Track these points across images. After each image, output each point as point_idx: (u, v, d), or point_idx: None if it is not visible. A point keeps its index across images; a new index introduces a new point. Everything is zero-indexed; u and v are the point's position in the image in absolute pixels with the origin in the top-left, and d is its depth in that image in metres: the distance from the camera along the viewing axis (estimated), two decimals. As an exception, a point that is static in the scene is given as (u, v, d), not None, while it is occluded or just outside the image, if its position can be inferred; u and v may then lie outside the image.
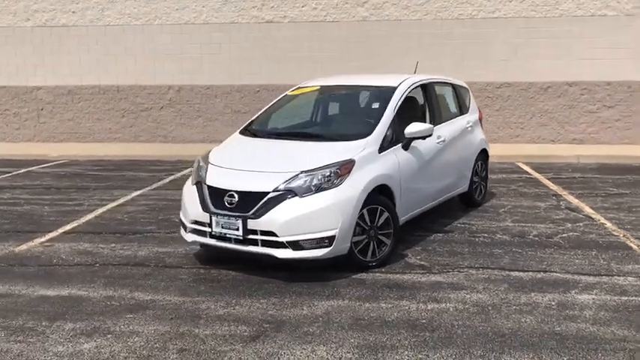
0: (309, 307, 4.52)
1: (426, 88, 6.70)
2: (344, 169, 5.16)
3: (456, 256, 5.71)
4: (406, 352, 3.80)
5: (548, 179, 9.53)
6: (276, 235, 4.92)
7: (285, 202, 4.96)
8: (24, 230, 6.82)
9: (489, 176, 8.29)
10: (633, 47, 12.40)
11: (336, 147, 5.49)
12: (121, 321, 4.33)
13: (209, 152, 5.89)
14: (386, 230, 5.43)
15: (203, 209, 5.24)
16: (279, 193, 5.01)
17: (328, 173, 5.10)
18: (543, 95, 12.83)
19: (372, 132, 5.61)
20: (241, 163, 5.46)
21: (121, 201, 8.26)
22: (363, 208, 5.18)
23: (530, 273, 5.21)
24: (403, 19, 12.95)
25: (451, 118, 7.09)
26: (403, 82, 6.32)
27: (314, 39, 13.19)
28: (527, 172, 10.22)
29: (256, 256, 5.09)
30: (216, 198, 5.21)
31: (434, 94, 6.83)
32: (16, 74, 14.07)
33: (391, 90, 6.16)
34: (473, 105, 7.83)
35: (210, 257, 5.69)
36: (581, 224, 6.79)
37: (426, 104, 6.68)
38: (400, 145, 5.82)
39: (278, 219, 4.90)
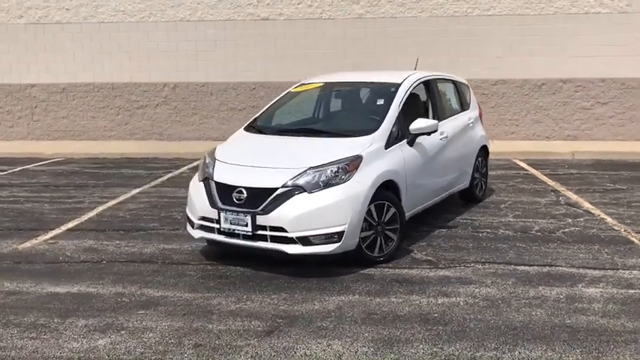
0: (321, 302, 4.54)
1: (428, 84, 6.74)
2: (352, 165, 5.19)
3: (461, 251, 5.75)
4: (421, 346, 3.83)
5: (545, 175, 9.61)
6: (286, 231, 4.93)
7: (294, 197, 4.98)
8: (26, 228, 6.79)
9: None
10: (627, 44, 12.50)
11: (343, 143, 5.51)
12: (133, 317, 4.33)
13: (215, 149, 5.89)
14: (393, 226, 5.46)
15: (211, 205, 5.24)
16: (287, 189, 5.02)
17: (336, 169, 5.12)
18: (538, 92, 12.92)
19: (378, 128, 5.64)
20: (249, 160, 5.47)
21: (122, 199, 8.23)
22: (370, 203, 5.21)
23: (536, 267, 5.27)
24: (399, 17, 12.98)
25: (453, 115, 7.14)
26: (407, 79, 6.36)
27: (310, 36, 13.19)
28: (524, 169, 10.30)
29: (265, 251, 5.10)
30: (224, 194, 5.21)
31: (436, 90, 6.87)
32: (9, 72, 13.95)
33: (395, 86, 6.20)
34: (473, 101, 7.89)
35: (217, 254, 5.70)
36: (581, 219, 6.86)
37: (428, 101, 6.72)
38: (405, 141, 5.86)
39: (287, 215, 4.92)
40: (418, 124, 5.85)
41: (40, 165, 11.28)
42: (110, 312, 4.43)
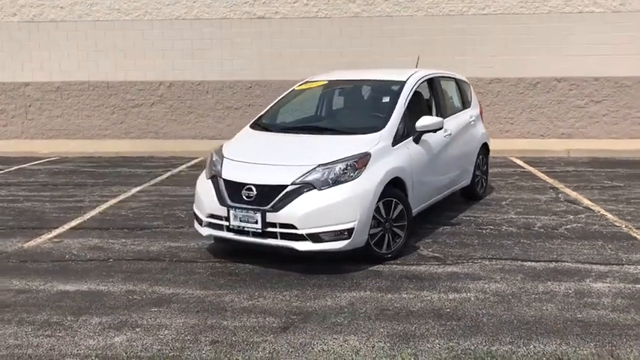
0: (333, 299, 4.57)
1: (432, 82, 6.78)
2: (361, 162, 5.21)
3: (466, 247, 5.80)
4: (437, 341, 3.87)
5: (542, 173, 9.70)
6: (296, 228, 4.95)
7: (303, 195, 5.00)
8: (29, 227, 6.75)
9: (486, 170, 8.42)
10: (620, 43, 12.62)
11: (351, 140, 5.54)
12: (147, 315, 4.33)
13: (222, 146, 5.89)
14: (400, 223, 5.49)
15: (220, 203, 5.25)
16: (297, 186, 5.04)
17: (345, 166, 5.14)
18: (533, 91, 13.02)
19: (385, 125, 5.67)
20: (257, 157, 5.48)
21: (122, 197, 8.21)
22: (379, 200, 5.24)
23: (543, 263, 5.32)
24: (395, 15, 13.03)
25: (455, 113, 7.19)
26: (412, 76, 6.39)
27: (306, 35, 13.20)
28: (521, 166, 10.38)
29: (275, 248, 5.11)
30: (233, 192, 5.22)
31: (439, 88, 6.91)
32: (3, 70, 13.85)
33: (400, 84, 6.23)
34: (474, 99, 7.94)
35: (224, 251, 5.70)
36: (582, 216, 6.93)
37: (432, 98, 6.76)
38: (411, 138, 5.89)
39: (298, 212, 4.94)
40: (424, 121, 5.89)
41: (35, 164, 11.21)
42: (123, 310, 4.43)
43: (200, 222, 5.53)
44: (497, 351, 3.73)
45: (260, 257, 5.41)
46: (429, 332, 3.99)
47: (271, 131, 6.13)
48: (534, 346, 3.78)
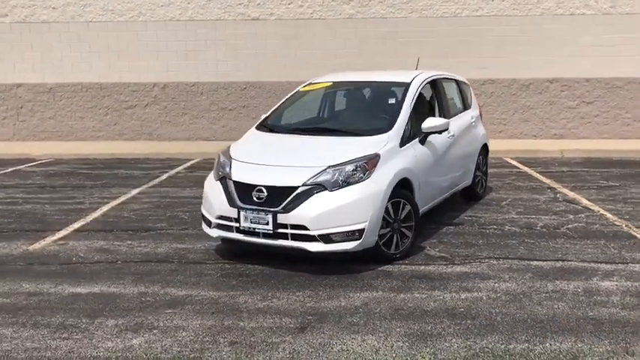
0: (346, 299, 4.60)
1: (435, 83, 6.84)
2: (370, 163, 5.25)
3: (472, 247, 5.86)
4: (454, 340, 3.91)
5: (538, 173, 9.80)
6: (308, 229, 4.98)
7: (314, 196, 5.03)
8: (32, 229, 6.71)
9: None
10: (611, 45, 12.79)
11: (359, 142, 5.57)
12: (162, 316, 4.33)
13: (229, 147, 5.90)
14: (408, 223, 5.54)
15: (230, 204, 5.26)
16: (308, 187, 5.07)
17: (355, 167, 5.18)
18: (525, 92, 13.16)
19: (392, 127, 5.72)
20: (266, 158, 5.49)
21: (123, 199, 8.18)
22: (388, 201, 5.28)
23: (549, 262, 5.39)
24: (389, 17, 13.10)
25: (457, 114, 7.25)
26: (416, 78, 6.45)
27: (300, 36, 13.23)
28: (516, 167, 10.48)
29: (287, 249, 5.14)
30: (243, 193, 5.23)
31: (442, 89, 6.98)
32: (-6, 71, 13.73)
33: (405, 85, 6.29)
34: (474, 101, 8.03)
35: (232, 252, 5.71)
36: (582, 215, 7.03)
37: (435, 100, 6.82)
38: (417, 139, 5.95)
39: (309, 213, 4.97)
40: (431, 122, 5.95)
41: (30, 166, 11.13)
42: (137, 311, 4.43)
43: (209, 223, 5.53)
44: (515, 349, 3.78)
45: (268, 258, 5.43)
46: (445, 331, 4.03)
47: (278, 132, 6.15)
48: (550, 344, 3.84)
